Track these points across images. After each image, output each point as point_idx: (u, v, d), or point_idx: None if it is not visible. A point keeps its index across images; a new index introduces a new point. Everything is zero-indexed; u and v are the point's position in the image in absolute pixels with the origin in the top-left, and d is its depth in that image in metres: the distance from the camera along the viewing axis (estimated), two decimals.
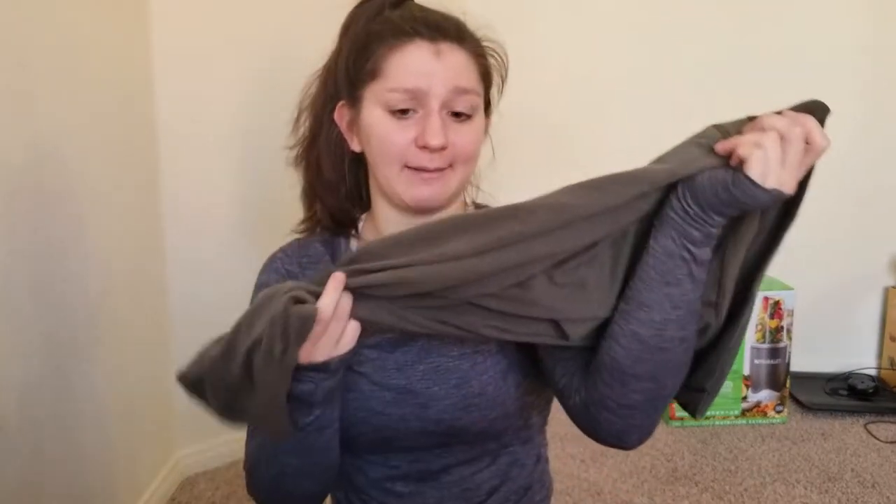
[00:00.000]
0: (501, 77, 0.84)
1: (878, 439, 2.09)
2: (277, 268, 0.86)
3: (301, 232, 0.90)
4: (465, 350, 0.79)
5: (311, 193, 0.88)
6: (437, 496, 0.82)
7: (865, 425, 2.17)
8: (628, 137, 2.40)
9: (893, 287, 2.44)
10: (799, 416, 2.26)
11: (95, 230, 1.47)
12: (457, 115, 0.76)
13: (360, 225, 0.88)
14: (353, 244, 0.86)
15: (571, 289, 0.67)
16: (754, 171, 0.62)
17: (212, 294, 1.89)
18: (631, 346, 0.67)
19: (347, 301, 0.66)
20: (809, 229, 2.46)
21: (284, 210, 1.97)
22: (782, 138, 0.63)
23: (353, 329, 0.68)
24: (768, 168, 0.62)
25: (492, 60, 0.81)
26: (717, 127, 0.69)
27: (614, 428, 0.71)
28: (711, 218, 0.65)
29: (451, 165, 0.77)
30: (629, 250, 0.69)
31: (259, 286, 0.87)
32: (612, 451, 2.02)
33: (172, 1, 1.73)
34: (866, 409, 2.25)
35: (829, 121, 2.47)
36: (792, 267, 2.42)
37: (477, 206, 0.89)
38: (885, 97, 2.38)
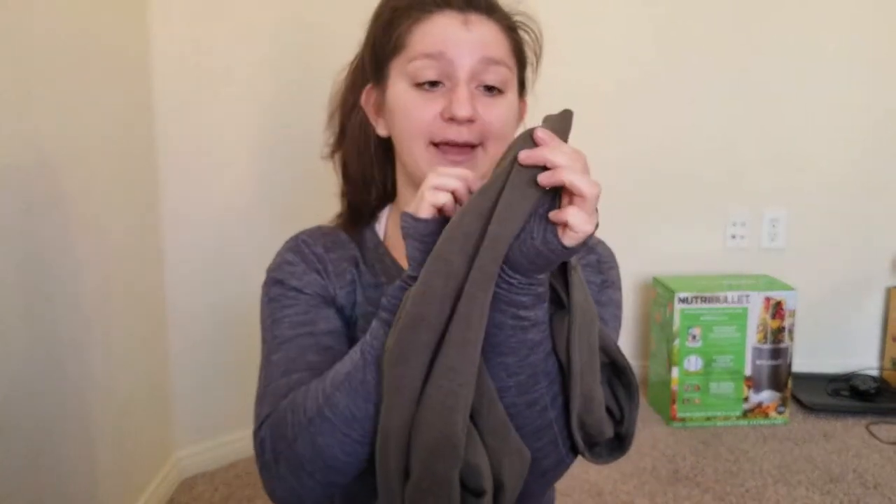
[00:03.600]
0: (535, 55, 0.80)
1: (880, 440, 2.08)
2: (300, 248, 0.80)
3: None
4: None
5: (342, 191, 0.85)
6: None
7: (867, 426, 2.17)
8: (630, 141, 2.40)
9: (895, 287, 2.43)
10: (801, 416, 2.25)
11: (94, 232, 1.46)
12: (487, 88, 0.73)
13: (386, 215, 0.84)
14: (379, 230, 0.83)
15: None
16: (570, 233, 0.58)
17: (210, 296, 1.88)
18: None
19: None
20: (811, 230, 2.48)
21: (285, 211, 1.98)
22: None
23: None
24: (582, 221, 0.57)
25: (525, 37, 0.78)
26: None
27: None
28: (535, 279, 0.61)
29: (481, 144, 0.73)
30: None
31: (277, 265, 0.80)
32: None
33: (172, 1, 1.73)
34: (868, 409, 2.24)
35: (832, 120, 2.49)
36: (794, 267, 2.43)
37: None
38: (884, 97, 2.38)
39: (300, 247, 0.81)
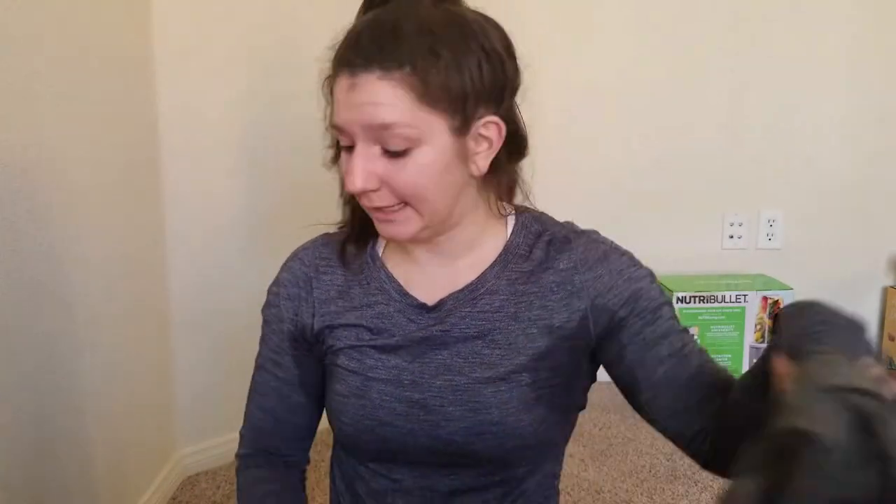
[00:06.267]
0: (489, 81, 0.68)
1: None
2: (293, 269, 0.82)
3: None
4: (490, 374, 0.73)
5: (344, 199, 0.82)
6: None
7: None
8: (623, 155, 2.41)
9: (892, 287, 2.44)
10: None
11: (97, 230, 1.47)
12: (389, 151, 0.66)
13: None
14: (380, 246, 0.82)
15: None
16: None
17: (213, 295, 1.89)
18: None
19: None
20: (808, 230, 2.49)
21: (286, 212, 1.99)
22: None
23: None
24: None
25: (456, 61, 0.66)
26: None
27: None
28: None
29: (406, 203, 0.69)
30: None
31: (273, 284, 0.83)
32: (612, 450, 2.02)
33: (175, 1, 1.74)
34: None
35: (829, 121, 2.50)
36: (790, 266, 2.44)
37: (517, 210, 0.80)
38: (885, 97, 2.39)
39: (294, 267, 0.82)
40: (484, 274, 0.76)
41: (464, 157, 0.69)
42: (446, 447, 0.74)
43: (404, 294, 0.77)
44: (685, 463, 1.95)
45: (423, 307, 0.76)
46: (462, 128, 0.67)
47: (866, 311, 2.50)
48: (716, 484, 1.85)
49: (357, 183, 0.67)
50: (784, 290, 2.17)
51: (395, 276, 0.79)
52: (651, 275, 0.76)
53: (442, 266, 0.77)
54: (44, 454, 1.28)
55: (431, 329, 0.75)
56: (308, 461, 0.90)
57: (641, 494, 1.81)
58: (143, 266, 1.71)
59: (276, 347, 0.83)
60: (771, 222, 2.44)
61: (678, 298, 2.14)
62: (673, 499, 1.79)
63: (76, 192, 1.39)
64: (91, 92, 1.45)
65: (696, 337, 2.16)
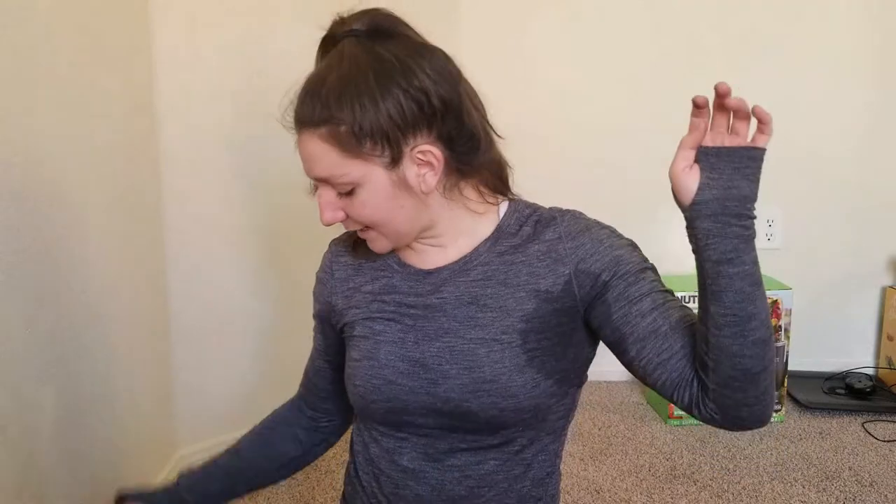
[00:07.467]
0: (412, 114, 0.73)
1: (875, 438, 2.10)
2: (325, 257, 0.94)
3: None
4: (483, 335, 0.80)
5: None
6: (439, 479, 0.84)
7: (863, 424, 2.18)
8: (623, 153, 2.41)
9: (891, 286, 2.45)
10: (797, 415, 2.27)
11: (98, 231, 1.47)
12: (340, 192, 0.78)
13: None
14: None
15: None
16: None
17: (212, 295, 1.90)
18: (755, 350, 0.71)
19: None
20: (807, 229, 2.49)
21: (284, 212, 1.98)
22: None
23: None
24: None
25: (372, 114, 0.72)
26: None
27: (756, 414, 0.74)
28: None
29: (369, 227, 0.80)
30: None
31: (319, 268, 0.95)
32: (612, 449, 2.03)
33: (174, 9, 1.74)
34: (864, 408, 2.26)
35: (828, 120, 2.51)
36: (790, 266, 2.44)
37: (511, 199, 0.87)
38: (884, 97, 2.39)
39: (325, 255, 0.95)
40: (476, 248, 0.84)
41: (405, 184, 0.77)
42: (444, 404, 0.80)
43: (404, 265, 0.87)
44: (684, 462, 1.95)
45: (420, 272, 0.86)
46: (394, 161, 0.75)
47: (865, 310, 2.50)
48: (714, 483, 1.85)
49: (325, 218, 0.79)
50: (783, 290, 2.17)
51: (397, 254, 0.88)
52: (632, 245, 0.85)
53: (438, 253, 0.86)
54: (44, 455, 1.28)
55: (431, 297, 0.84)
56: (329, 422, 1.02)
57: (640, 493, 1.81)
58: (143, 266, 1.72)
59: (315, 321, 0.98)
60: (770, 222, 2.44)
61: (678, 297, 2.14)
62: (672, 498, 1.79)
63: (78, 192, 1.39)
64: (92, 94, 1.45)
65: None
